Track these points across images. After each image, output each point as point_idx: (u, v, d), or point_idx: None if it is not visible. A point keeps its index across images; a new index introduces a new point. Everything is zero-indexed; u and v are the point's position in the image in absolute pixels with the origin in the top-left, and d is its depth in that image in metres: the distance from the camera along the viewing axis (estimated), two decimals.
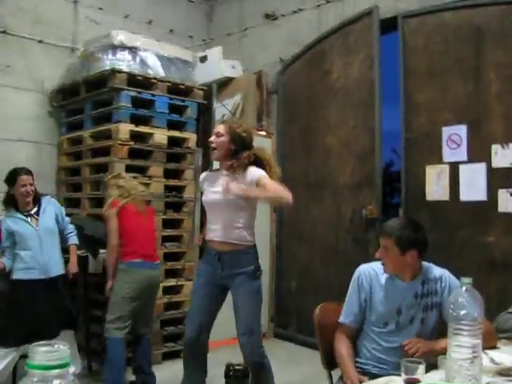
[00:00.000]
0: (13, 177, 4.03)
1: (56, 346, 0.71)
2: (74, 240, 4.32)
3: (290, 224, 5.92)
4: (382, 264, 2.52)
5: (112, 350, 3.88)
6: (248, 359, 3.22)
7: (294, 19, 6.01)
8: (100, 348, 4.38)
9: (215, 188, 3.39)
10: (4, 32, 5.33)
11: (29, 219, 4.03)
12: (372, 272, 2.57)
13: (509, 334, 2.46)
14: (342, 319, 2.59)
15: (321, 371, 2.69)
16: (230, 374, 0.77)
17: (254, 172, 3.31)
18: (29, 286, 3.90)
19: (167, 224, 5.03)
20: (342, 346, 2.52)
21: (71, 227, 4.34)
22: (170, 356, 4.94)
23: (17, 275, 3.93)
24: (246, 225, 3.45)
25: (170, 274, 5.03)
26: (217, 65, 6.19)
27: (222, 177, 3.37)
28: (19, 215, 4.02)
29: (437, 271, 2.52)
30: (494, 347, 2.25)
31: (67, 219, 4.36)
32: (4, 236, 4.02)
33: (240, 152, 3.37)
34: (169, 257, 5.02)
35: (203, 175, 3.64)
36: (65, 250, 4.25)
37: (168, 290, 4.96)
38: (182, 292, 5.06)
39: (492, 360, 2.02)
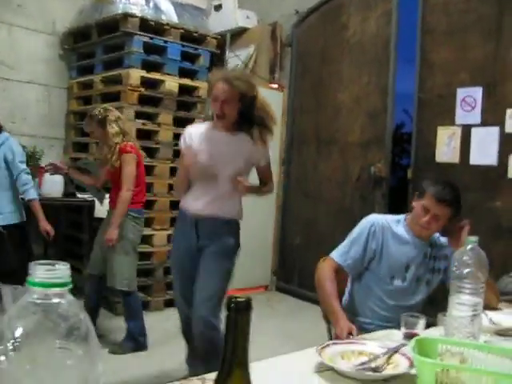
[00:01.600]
0: None
1: (56, 265, 0.71)
2: (30, 194, 3.86)
3: (296, 179, 5.91)
4: (424, 227, 2.41)
5: (136, 303, 3.87)
6: (197, 329, 2.94)
7: None
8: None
9: (216, 149, 2.95)
10: None
11: None
12: (385, 223, 2.50)
13: (509, 296, 2.47)
14: (337, 258, 2.46)
15: (320, 325, 2.68)
16: (232, 306, 0.76)
17: (261, 153, 3.01)
18: None
19: (174, 172, 5.00)
20: (332, 285, 2.37)
21: (26, 178, 3.84)
22: (171, 304, 4.99)
23: None
24: (240, 198, 3.08)
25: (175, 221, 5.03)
26: (231, 14, 6.08)
27: (223, 139, 2.97)
28: None
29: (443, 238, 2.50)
30: (495, 308, 2.26)
31: (21, 166, 3.84)
32: None
33: (247, 111, 2.95)
34: (176, 204, 5.02)
35: (190, 131, 3.06)
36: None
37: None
38: None
39: (491, 320, 2.03)
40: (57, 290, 0.71)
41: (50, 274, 0.70)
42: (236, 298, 0.78)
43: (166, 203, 4.93)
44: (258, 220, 5.88)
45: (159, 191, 4.88)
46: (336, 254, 2.48)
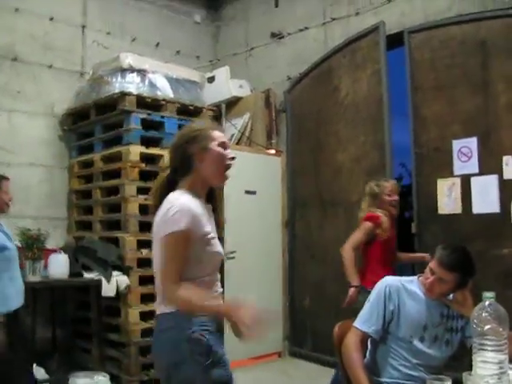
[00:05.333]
0: None
1: (95, 378, 0.71)
2: None
3: (302, 241, 5.91)
4: (426, 287, 2.47)
5: None
6: None
7: (300, 37, 6.05)
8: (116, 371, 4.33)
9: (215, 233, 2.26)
10: (15, 59, 5.40)
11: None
12: (399, 285, 2.54)
13: None
14: (361, 326, 2.48)
15: None
16: None
17: None
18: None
19: None
20: (359, 356, 2.41)
21: None
22: None
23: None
24: None
25: None
26: (224, 85, 6.23)
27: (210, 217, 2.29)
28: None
29: None
30: None
31: None
32: None
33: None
34: None
35: (195, 204, 2.15)
36: None
37: None
38: None
39: None
40: None
41: None
42: None
43: None
44: (266, 284, 5.86)
45: None
46: (360, 323, 2.50)
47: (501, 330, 1.68)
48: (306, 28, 5.98)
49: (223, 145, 2.25)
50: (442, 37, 4.81)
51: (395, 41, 5.12)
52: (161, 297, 2.13)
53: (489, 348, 1.65)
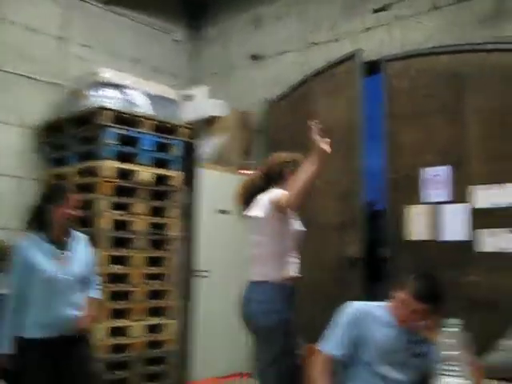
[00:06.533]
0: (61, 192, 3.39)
1: None
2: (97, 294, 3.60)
3: None
4: (400, 320, 2.50)
5: None
6: None
7: (279, 60, 6.12)
8: None
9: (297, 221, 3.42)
10: None
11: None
12: (367, 309, 2.57)
13: (490, 372, 2.49)
14: (332, 350, 2.50)
15: None
16: None
17: None
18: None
19: (151, 262, 5.00)
20: (325, 379, 2.43)
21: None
22: None
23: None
24: None
25: (154, 312, 4.98)
26: (202, 103, 6.26)
27: None
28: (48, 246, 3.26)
29: None
30: None
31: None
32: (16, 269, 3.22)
33: None
34: (152, 294, 4.99)
35: None
36: None
37: (151, 329, 4.91)
38: (165, 331, 5.01)
39: None
40: None
41: None
42: None
43: (143, 293, 4.88)
44: (237, 303, 5.83)
45: (136, 281, 4.84)
46: (329, 348, 2.52)
47: (464, 356, 1.71)
48: (286, 51, 6.05)
49: None
50: (419, 66, 4.91)
51: (373, 68, 5.21)
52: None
53: (452, 373, 1.68)
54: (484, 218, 4.44)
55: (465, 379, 1.67)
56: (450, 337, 1.76)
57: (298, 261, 3.31)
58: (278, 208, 3.13)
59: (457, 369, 1.67)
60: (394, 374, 2.46)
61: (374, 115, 5.22)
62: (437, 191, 4.71)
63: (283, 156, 3.46)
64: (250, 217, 3.34)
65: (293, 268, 3.30)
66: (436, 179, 4.72)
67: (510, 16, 4.49)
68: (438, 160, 4.72)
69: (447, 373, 1.68)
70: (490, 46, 4.54)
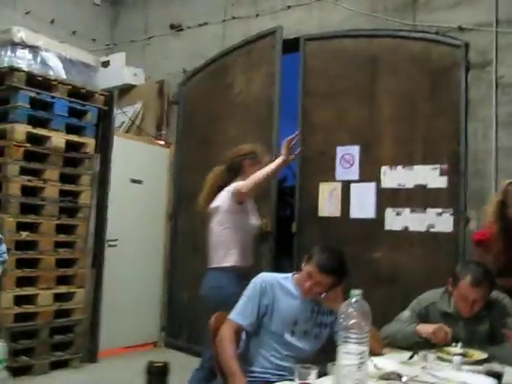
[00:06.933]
0: None
1: None
2: None
3: (184, 234, 5.95)
4: (304, 291, 2.59)
5: None
6: None
7: (199, 32, 6.09)
8: None
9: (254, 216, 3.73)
10: None
11: None
12: (275, 281, 2.66)
13: (387, 340, 2.67)
14: (238, 319, 2.57)
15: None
16: (151, 370, 0.82)
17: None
18: None
19: (61, 229, 4.91)
20: (232, 347, 2.50)
21: None
22: (58, 365, 4.80)
23: None
24: None
25: (62, 280, 4.91)
26: (119, 71, 6.16)
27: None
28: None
29: None
30: (378, 354, 2.44)
31: None
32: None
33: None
34: (61, 263, 4.91)
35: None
36: None
37: (59, 297, 4.84)
38: (74, 299, 4.95)
39: (375, 366, 2.17)
40: None
41: None
42: (155, 362, 0.83)
43: (51, 261, 4.79)
44: (146, 274, 5.85)
45: (45, 249, 4.74)
46: (235, 316, 2.59)
47: (364, 324, 1.83)
48: (206, 23, 6.03)
49: None
50: (335, 48, 5.05)
51: (291, 46, 5.28)
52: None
53: (352, 340, 1.79)
54: (390, 198, 4.66)
55: (363, 345, 1.79)
56: (352, 307, 1.86)
57: (250, 250, 3.63)
58: (236, 196, 3.51)
59: (356, 336, 1.78)
60: (298, 343, 2.59)
61: (290, 93, 5.32)
62: (347, 170, 4.88)
63: (244, 148, 3.75)
64: (212, 208, 3.64)
65: (245, 256, 3.58)
66: (347, 158, 4.89)
67: (424, 7, 4.69)
68: (350, 139, 4.89)
69: (349, 340, 1.78)
70: (403, 34, 4.74)
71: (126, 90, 6.25)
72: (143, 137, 6.09)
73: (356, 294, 1.90)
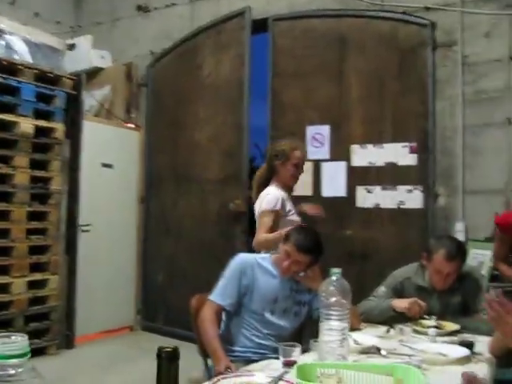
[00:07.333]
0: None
1: (13, 338, 0.75)
2: None
3: (156, 217, 5.96)
4: (283, 270, 2.63)
5: None
6: None
7: (166, 13, 6.04)
8: None
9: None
10: None
11: None
12: (254, 261, 2.71)
13: (364, 315, 2.75)
14: (218, 299, 2.61)
15: (192, 361, 2.73)
16: (162, 355, 0.85)
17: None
18: None
19: (32, 216, 4.87)
20: (214, 328, 2.54)
21: None
22: (35, 353, 4.77)
23: None
24: None
25: (36, 267, 4.88)
26: (86, 54, 6.07)
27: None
28: None
29: None
30: (356, 329, 2.53)
31: None
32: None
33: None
34: (34, 250, 4.87)
35: (283, 195, 3.72)
36: None
37: (33, 285, 4.82)
38: (48, 286, 4.93)
39: (355, 341, 2.24)
40: (14, 361, 0.73)
41: (6, 347, 0.73)
42: (165, 348, 0.86)
43: (24, 249, 4.76)
44: (119, 258, 5.85)
45: (17, 237, 4.70)
46: (217, 297, 2.63)
47: (344, 301, 1.88)
48: (173, 4, 5.98)
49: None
50: (304, 27, 5.07)
51: (260, 26, 5.29)
52: None
53: (333, 317, 1.84)
54: (361, 176, 4.74)
55: (344, 322, 1.84)
56: (332, 285, 1.92)
57: None
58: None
59: (338, 313, 1.84)
60: (278, 321, 2.65)
61: (260, 73, 5.33)
62: (318, 149, 4.93)
63: (274, 147, 3.81)
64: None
65: None
66: (317, 137, 4.94)
67: None
68: (320, 119, 4.94)
69: (331, 317, 1.84)
70: (371, 13, 4.78)
71: (93, 73, 6.16)
72: (113, 120, 6.04)
73: (336, 272, 1.96)
